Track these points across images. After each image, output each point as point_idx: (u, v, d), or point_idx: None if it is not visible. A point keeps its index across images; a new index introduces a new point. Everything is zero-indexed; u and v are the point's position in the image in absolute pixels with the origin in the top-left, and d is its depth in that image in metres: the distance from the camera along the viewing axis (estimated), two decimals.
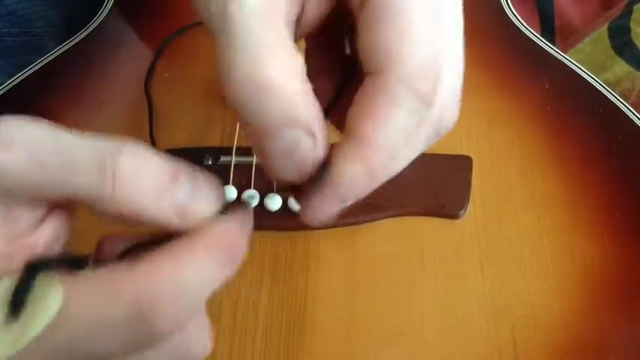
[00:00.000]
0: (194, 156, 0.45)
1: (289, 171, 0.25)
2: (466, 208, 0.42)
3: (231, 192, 0.43)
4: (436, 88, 0.24)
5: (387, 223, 0.42)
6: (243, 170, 0.44)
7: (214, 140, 0.46)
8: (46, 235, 0.25)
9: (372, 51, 0.23)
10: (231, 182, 0.43)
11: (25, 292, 0.22)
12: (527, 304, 0.38)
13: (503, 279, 0.39)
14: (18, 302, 0.22)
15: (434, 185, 0.43)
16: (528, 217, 0.42)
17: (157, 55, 0.52)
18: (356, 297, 0.39)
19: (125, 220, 0.24)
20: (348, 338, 0.37)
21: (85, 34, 0.54)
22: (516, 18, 0.53)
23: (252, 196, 0.43)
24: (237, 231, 0.25)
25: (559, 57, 0.50)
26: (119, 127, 0.48)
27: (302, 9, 0.26)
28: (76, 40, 0.54)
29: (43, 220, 0.25)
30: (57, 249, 0.26)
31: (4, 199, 0.23)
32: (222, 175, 0.44)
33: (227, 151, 0.45)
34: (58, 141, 0.23)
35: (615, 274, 0.39)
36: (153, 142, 0.47)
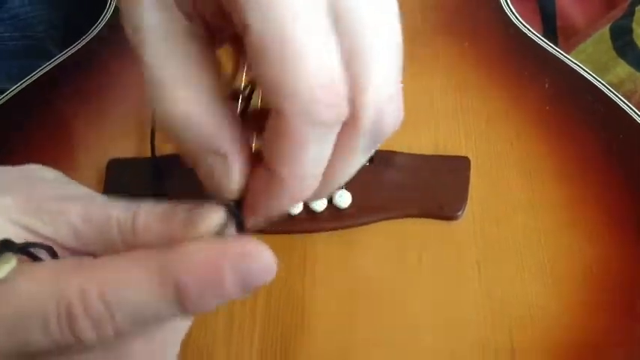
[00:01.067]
0: None
1: (219, 190, 0.25)
2: (464, 209, 0.42)
3: None
4: (361, 102, 0.23)
5: (385, 224, 0.42)
6: None
7: None
8: None
9: (264, 85, 0.22)
10: None
11: None
12: (525, 305, 0.38)
13: (500, 280, 0.39)
14: None
15: (431, 186, 0.43)
16: (526, 217, 0.42)
17: None
18: (353, 299, 0.39)
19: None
20: (345, 340, 0.37)
21: (89, 38, 0.54)
22: (515, 17, 0.53)
23: None
24: (215, 264, 0.23)
25: (558, 55, 0.50)
26: (125, 129, 0.48)
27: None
28: (81, 45, 0.54)
29: None
30: None
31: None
32: None
33: None
34: (103, 203, 0.26)
35: (614, 275, 0.39)
36: (152, 138, 0.46)
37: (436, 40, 0.52)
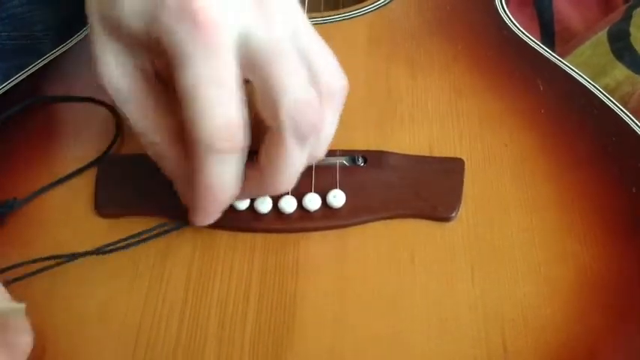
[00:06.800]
0: None
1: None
2: (458, 211, 0.42)
3: None
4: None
5: (378, 225, 0.42)
6: None
7: None
8: None
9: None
10: None
11: None
12: (518, 307, 0.38)
13: (494, 281, 0.39)
14: None
15: (425, 187, 0.43)
16: (520, 219, 0.41)
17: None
18: (345, 300, 0.39)
19: None
20: (336, 341, 0.37)
21: (84, 34, 0.55)
22: (510, 20, 0.53)
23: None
24: None
25: (552, 59, 0.50)
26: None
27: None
28: (75, 41, 0.55)
29: None
30: None
31: None
32: None
33: None
34: None
35: (608, 277, 0.39)
36: None
37: (431, 41, 0.52)
